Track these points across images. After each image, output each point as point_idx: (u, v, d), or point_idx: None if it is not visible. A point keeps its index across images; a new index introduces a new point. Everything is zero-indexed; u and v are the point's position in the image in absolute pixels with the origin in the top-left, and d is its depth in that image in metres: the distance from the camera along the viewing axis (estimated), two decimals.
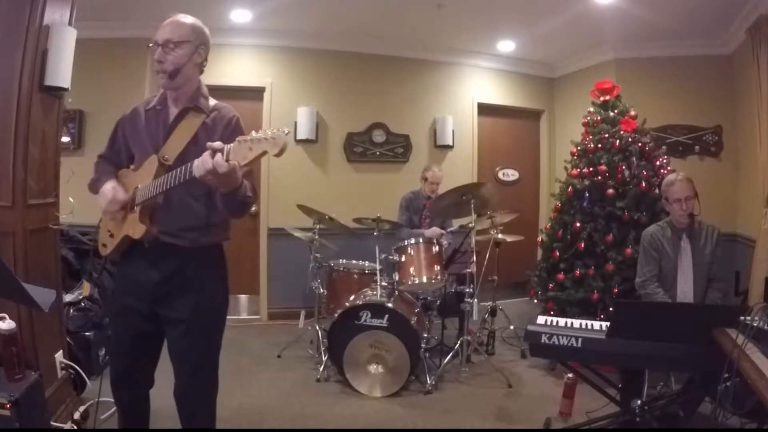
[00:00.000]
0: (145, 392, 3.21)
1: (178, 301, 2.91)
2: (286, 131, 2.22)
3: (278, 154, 2.21)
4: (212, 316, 3.05)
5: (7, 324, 3.13)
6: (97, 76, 6.54)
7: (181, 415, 3.07)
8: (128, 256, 2.98)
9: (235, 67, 7.59)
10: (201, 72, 3.00)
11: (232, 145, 2.33)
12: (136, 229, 2.81)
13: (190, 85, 2.94)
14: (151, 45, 2.86)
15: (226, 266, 3.18)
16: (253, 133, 2.26)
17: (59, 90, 3.93)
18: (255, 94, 7.67)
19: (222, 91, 7.33)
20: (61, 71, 3.83)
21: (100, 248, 3.10)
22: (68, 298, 4.88)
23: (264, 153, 2.23)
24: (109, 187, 2.90)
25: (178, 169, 2.59)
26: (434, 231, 6.39)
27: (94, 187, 3.02)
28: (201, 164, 2.40)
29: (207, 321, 3.00)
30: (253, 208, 7.48)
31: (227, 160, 2.33)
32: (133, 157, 3.05)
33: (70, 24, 4.03)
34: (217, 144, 2.37)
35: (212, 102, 3.00)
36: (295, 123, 7.64)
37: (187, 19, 2.91)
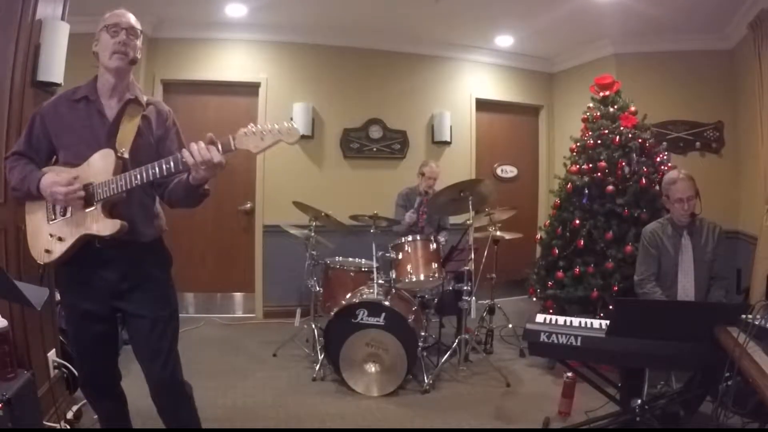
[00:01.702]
0: (118, 387, 3.22)
1: (138, 296, 2.93)
2: (295, 124, 2.55)
3: (293, 143, 2.57)
4: (172, 307, 3.08)
5: None
6: (90, 71, 6.50)
7: (164, 413, 3.07)
8: (74, 261, 2.87)
9: (230, 62, 7.58)
10: None
11: (237, 135, 2.53)
12: (102, 225, 2.74)
13: (130, 76, 3.00)
14: (107, 26, 2.85)
15: (171, 258, 3.21)
16: (258, 126, 2.52)
17: (52, 85, 3.93)
18: (250, 89, 7.66)
19: (217, 87, 7.47)
20: (54, 66, 3.84)
21: (39, 255, 2.90)
22: None
23: (278, 141, 2.51)
24: (50, 180, 2.75)
25: (164, 160, 2.64)
26: (407, 216, 6.57)
27: (26, 188, 2.84)
28: (198, 154, 2.53)
29: (169, 313, 3.04)
30: (248, 205, 7.53)
31: (235, 150, 2.54)
32: (52, 153, 2.95)
33: (63, 18, 4.04)
34: (211, 135, 2.56)
35: (145, 96, 3.05)
36: (291, 119, 7.58)
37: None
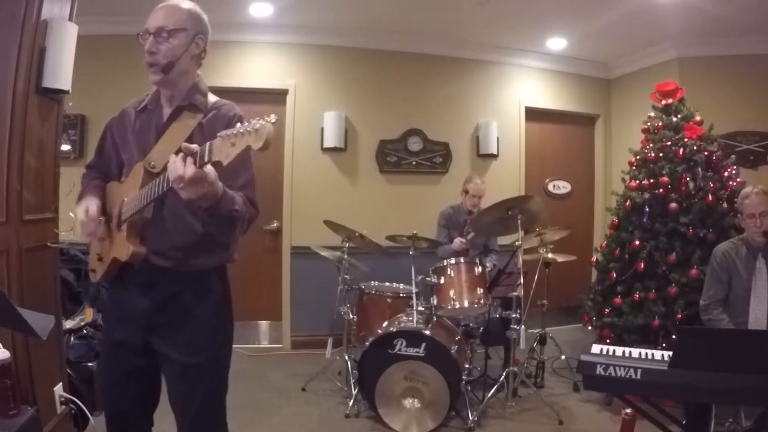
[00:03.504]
0: None
1: (172, 334, 2.76)
2: (273, 119, 2.05)
3: (263, 148, 2.03)
4: (213, 353, 2.90)
5: (0, 353, 3.13)
6: (100, 77, 6.55)
7: None
8: (118, 282, 2.85)
9: (254, 66, 7.66)
10: (199, 65, 2.90)
11: (214, 141, 2.16)
12: (123, 249, 2.64)
13: (187, 80, 2.82)
14: (140, 34, 2.74)
15: (229, 292, 3.05)
16: (238, 126, 2.09)
17: (58, 92, 3.91)
18: (277, 97, 7.72)
19: (240, 94, 7.52)
20: (61, 72, 3.81)
21: (90, 274, 3.00)
22: (68, 324, 4.87)
23: (248, 148, 2.06)
24: (82, 209, 2.79)
25: (162, 176, 2.43)
26: (456, 243, 6.56)
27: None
28: (171, 169, 2.25)
29: (208, 360, 2.86)
30: (275, 224, 7.55)
31: (210, 161, 2.18)
32: (123, 164, 2.92)
33: (70, 19, 4.02)
34: (194, 146, 2.24)
35: (212, 99, 2.89)
36: (322, 129, 7.71)
37: (184, 3, 2.81)
